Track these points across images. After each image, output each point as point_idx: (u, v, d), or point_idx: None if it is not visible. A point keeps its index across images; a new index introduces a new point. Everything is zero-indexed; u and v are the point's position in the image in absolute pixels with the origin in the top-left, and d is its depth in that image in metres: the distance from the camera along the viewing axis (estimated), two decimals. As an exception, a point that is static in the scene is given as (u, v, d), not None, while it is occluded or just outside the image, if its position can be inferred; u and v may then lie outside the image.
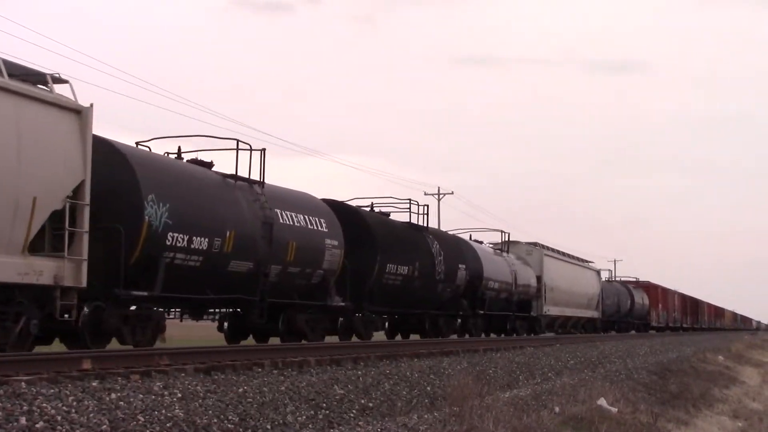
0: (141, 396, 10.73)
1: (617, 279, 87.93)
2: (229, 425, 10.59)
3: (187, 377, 12.78)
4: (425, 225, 33.74)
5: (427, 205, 34.84)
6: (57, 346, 18.26)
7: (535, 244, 46.28)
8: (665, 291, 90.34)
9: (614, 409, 17.47)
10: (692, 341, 59.79)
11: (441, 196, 74.72)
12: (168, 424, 9.89)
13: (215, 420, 10.53)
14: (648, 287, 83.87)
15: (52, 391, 10.18)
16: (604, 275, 75.30)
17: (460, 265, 35.18)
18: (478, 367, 19.62)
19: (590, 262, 61.49)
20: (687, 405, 22.92)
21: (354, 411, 12.93)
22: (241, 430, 10.59)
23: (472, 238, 42.18)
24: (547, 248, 47.74)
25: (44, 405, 9.36)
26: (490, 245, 43.27)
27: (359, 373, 16.07)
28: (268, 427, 11.01)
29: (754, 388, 35.23)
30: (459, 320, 37.32)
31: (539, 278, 45.93)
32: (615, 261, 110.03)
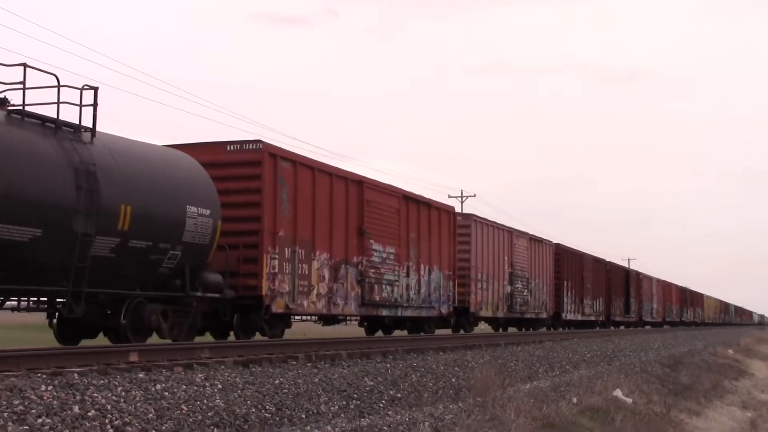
0: (184, 387, 10.79)
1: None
2: (266, 414, 10.65)
3: (227, 369, 12.84)
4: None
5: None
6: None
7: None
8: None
9: (629, 400, 17.44)
10: (702, 336, 59.42)
11: (464, 198, 74.62)
12: (209, 413, 9.96)
13: (253, 409, 10.60)
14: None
15: (102, 381, 10.24)
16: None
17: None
18: (500, 360, 19.59)
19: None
20: (698, 396, 22.85)
21: (383, 401, 12.97)
22: (277, 419, 10.65)
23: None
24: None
25: (95, 395, 9.44)
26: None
27: (388, 365, 16.10)
28: (303, 416, 11.07)
29: (763, 380, 35.13)
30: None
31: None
32: (629, 260, 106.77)
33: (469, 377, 15.72)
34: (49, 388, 9.35)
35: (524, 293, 40.30)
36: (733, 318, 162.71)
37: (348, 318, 26.67)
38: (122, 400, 9.51)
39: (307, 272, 22.21)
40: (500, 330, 41.76)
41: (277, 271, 20.72)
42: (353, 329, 31.65)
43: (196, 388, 10.88)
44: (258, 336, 21.51)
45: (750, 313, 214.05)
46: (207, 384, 11.22)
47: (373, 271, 25.62)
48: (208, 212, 18.68)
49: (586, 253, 54.11)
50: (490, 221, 37.54)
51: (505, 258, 38.49)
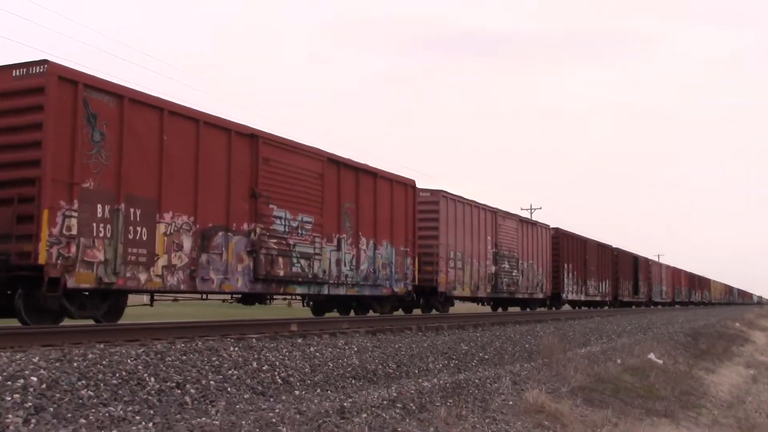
0: (330, 349, 10.93)
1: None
2: (389, 370, 10.72)
3: (360, 336, 12.94)
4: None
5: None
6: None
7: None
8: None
9: (660, 361, 17.05)
10: (715, 313, 57.49)
11: (532, 210, 73.59)
12: (349, 369, 10.08)
13: (380, 366, 10.68)
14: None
15: (272, 344, 10.45)
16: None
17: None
18: (561, 331, 19.30)
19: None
20: (713, 358, 22.36)
21: (475, 361, 12.92)
22: (397, 373, 10.72)
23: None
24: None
25: (267, 354, 9.65)
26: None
27: (478, 334, 16.02)
28: (416, 371, 11.10)
29: (762, 346, 34.38)
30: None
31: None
32: (658, 255, 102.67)
33: (539, 343, 15.55)
34: (236, 349, 9.59)
35: (513, 273, 30.52)
36: (736, 299, 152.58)
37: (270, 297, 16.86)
38: (286, 358, 9.70)
39: (145, 238, 12.79)
40: (493, 309, 32.90)
41: (76, 233, 11.58)
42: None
43: (338, 350, 11.02)
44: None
45: (750, 295, 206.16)
46: (346, 347, 11.35)
47: (274, 241, 15.77)
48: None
49: (589, 239, 43.61)
50: (467, 200, 26.93)
51: (488, 238, 28.24)
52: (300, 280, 16.54)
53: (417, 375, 10.86)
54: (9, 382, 6.39)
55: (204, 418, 6.64)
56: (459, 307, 28.71)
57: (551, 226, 37.31)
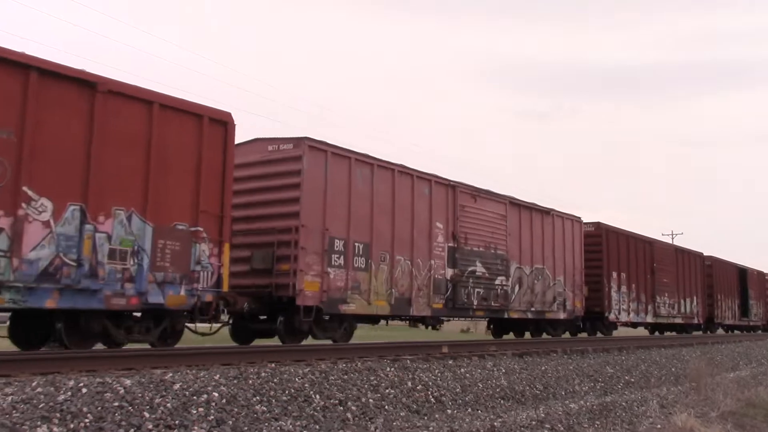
0: (479, 370, 10.86)
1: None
2: (536, 391, 10.52)
3: (508, 359, 12.79)
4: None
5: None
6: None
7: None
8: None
9: (815, 387, 15.76)
10: None
11: (673, 236, 70.32)
12: (497, 389, 9.97)
13: (527, 387, 10.50)
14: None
15: (425, 365, 10.49)
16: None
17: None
18: (708, 355, 18.27)
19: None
20: None
21: (621, 384, 12.47)
22: (544, 394, 10.49)
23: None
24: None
25: (421, 375, 9.69)
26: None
27: (623, 358, 15.44)
28: (562, 393, 10.84)
29: None
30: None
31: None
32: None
33: (685, 367, 14.80)
34: (392, 369, 9.69)
35: (494, 282, 17.89)
36: None
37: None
38: (438, 378, 9.71)
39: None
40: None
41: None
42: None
43: (487, 371, 10.93)
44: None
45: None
46: (494, 369, 11.24)
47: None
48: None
49: (658, 241, 28.62)
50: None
51: (438, 225, 16.23)
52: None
53: (564, 396, 10.60)
54: (194, 397, 6.76)
55: (364, 434, 6.75)
56: (621, 331, 27.67)
57: (581, 219, 23.03)
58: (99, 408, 5.95)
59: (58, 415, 5.69)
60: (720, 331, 36.41)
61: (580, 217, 22.35)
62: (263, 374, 8.06)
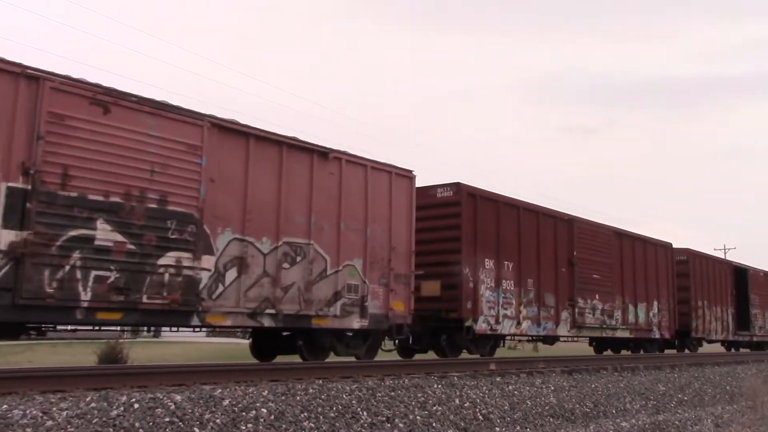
0: (527, 388, 10.72)
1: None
2: (586, 409, 10.35)
3: (557, 376, 12.60)
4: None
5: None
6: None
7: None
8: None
9: None
10: None
11: (726, 250, 68.75)
12: (546, 407, 9.83)
13: (577, 405, 10.34)
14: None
15: (473, 382, 10.40)
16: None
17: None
18: (765, 372, 17.77)
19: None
20: None
21: (673, 402, 12.19)
22: (595, 412, 10.31)
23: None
24: None
25: (468, 392, 9.61)
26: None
27: (675, 375, 15.09)
28: (613, 411, 10.64)
29: None
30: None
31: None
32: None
33: (740, 385, 14.40)
34: (439, 386, 9.63)
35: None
36: None
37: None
38: (486, 395, 9.62)
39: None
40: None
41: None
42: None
43: (535, 388, 10.79)
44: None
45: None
46: (543, 386, 11.09)
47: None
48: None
49: (578, 218, 19.51)
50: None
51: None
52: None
53: (614, 415, 10.40)
54: (243, 413, 6.81)
55: (412, 451, 6.71)
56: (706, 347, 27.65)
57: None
58: (150, 423, 6.03)
59: (111, 430, 5.79)
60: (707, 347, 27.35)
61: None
62: (311, 390, 8.08)
